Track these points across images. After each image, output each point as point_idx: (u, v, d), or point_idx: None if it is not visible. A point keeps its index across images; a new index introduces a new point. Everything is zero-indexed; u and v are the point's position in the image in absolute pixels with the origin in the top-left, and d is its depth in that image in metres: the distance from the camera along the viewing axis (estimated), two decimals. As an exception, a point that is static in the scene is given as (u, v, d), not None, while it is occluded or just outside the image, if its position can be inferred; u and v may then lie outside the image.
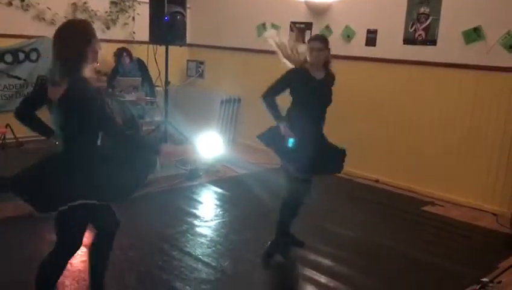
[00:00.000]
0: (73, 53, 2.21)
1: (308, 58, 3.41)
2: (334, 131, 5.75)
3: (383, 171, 5.50)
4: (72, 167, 2.30)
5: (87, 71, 2.27)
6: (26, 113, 2.46)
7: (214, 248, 3.68)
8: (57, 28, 2.32)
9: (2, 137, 5.36)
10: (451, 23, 4.87)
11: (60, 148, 2.38)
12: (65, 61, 2.21)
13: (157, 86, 6.45)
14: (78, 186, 2.26)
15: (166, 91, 5.89)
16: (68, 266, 3.20)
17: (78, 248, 2.46)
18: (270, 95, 3.43)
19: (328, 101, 3.51)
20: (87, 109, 2.22)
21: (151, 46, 5.92)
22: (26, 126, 2.51)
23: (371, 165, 5.58)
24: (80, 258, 3.31)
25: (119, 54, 6.37)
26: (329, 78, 3.53)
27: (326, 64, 3.50)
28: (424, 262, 3.63)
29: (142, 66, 6.52)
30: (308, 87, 3.40)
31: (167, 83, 5.89)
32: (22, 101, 2.50)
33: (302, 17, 6.14)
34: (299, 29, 6.05)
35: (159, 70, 6.01)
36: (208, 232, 3.97)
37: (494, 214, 4.62)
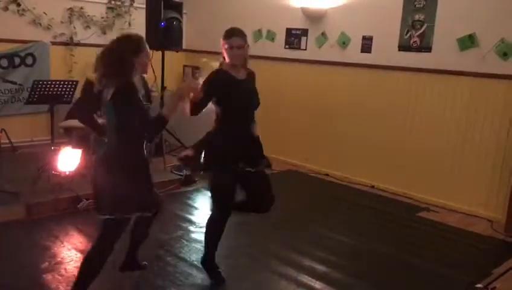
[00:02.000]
0: (121, 62, 2.52)
1: (226, 59, 3.05)
2: (330, 137, 5.80)
3: (378, 177, 5.52)
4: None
5: (136, 79, 2.58)
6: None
7: (209, 254, 3.67)
8: (114, 39, 2.67)
9: (-3, 142, 5.34)
10: (446, 30, 4.91)
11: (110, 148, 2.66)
12: (114, 69, 2.53)
13: (153, 91, 6.45)
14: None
15: (162, 97, 5.89)
16: (63, 271, 3.21)
17: None
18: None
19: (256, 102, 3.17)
20: (129, 101, 2.54)
21: (147, 51, 5.90)
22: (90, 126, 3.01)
23: (367, 171, 5.60)
24: (74, 264, 3.30)
25: None
26: (251, 78, 3.19)
27: (245, 63, 3.14)
28: (419, 268, 3.64)
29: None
30: (232, 89, 3.04)
31: (163, 88, 5.90)
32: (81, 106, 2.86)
33: (298, 23, 6.17)
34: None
35: (155, 75, 6.00)
36: (203, 238, 3.93)
37: (489, 220, 4.64)
